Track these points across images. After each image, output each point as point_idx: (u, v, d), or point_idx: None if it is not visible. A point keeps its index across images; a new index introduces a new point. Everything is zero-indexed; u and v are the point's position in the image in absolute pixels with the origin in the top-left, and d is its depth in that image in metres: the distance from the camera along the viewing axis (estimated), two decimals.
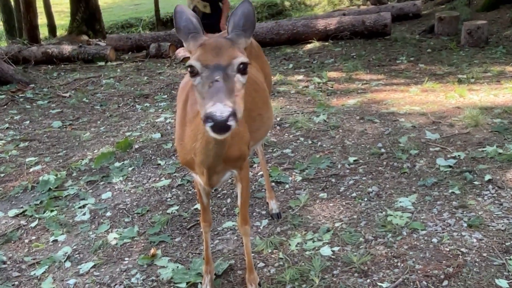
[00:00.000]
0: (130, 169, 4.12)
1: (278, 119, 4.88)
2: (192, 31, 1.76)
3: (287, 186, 3.56)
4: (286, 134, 4.52)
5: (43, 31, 12.62)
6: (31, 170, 4.27)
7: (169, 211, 3.39)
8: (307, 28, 9.43)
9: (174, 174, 3.95)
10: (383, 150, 3.93)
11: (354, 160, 3.81)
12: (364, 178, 3.53)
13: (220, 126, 1.47)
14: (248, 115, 2.22)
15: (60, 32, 13.89)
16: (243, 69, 1.63)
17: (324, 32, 9.35)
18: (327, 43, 9.17)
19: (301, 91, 6.13)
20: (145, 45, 9.96)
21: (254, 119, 2.35)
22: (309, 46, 9.21)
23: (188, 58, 1.87)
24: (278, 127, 4.67)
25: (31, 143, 5.02)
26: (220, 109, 1.46)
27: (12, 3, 12.90)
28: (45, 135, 5.24)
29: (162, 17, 14.60)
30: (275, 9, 17.51)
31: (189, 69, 1.64)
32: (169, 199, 3.58)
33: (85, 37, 11.52)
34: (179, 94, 2.34)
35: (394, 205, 3.11)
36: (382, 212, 3.04)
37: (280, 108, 5.33)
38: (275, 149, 4.19)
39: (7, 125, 5.67)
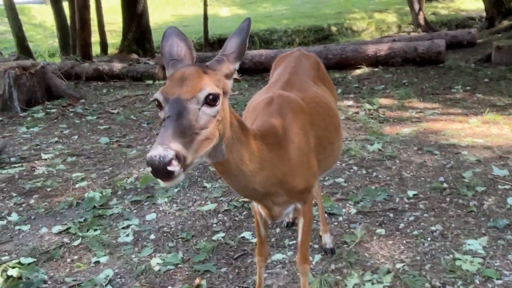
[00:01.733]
0: (175, 190, 4.00)
1: None
2: (174, 58, 1.61)
3: (340, 218, 3.34)
4: (338, 162, 4.29)
5: (96, 49, 12.99)
6: (77, 186, 4.22)
7: (214, 237, 3.22)
8: (356, 53, 9.22)
9: (220, 198, 3.80)
10: (445, 185, 3.64)
11: (414, 194, 3.54)
12: (425, 214, 3.26)
13: (159, 172, 1.31)
14: (319, 143, 2.04)
15: (112, 50, 14.27)
16: (212, 101, 1.45)
17: (374, 57, 9.11)
18: (376, 69, 8.92)
19: (351, 117, 5.91)
20: None
21: (325, 148, 2.17)
22: (358, 71, 8.98)
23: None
24: None
25: (78, 158, 5.01)
26: (159, 152, 1.29)
27: (68, 21, 13.39)
28: (92, 151, 5.23)
29: (210, 38, 14.77)
30: (322, 34, 17.42)
31: (156, 102, 1.49)
32: (215, 225, 3.41)
33: (135, 56, 11.75)
34: None
35: (462, 247, 2.82)
36: (448, 255, 2.76)
37: None
38: (326, 178, 3.97)
39: (56, 138, 5.72)
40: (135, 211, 3.72)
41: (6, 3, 11.13)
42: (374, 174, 3.97)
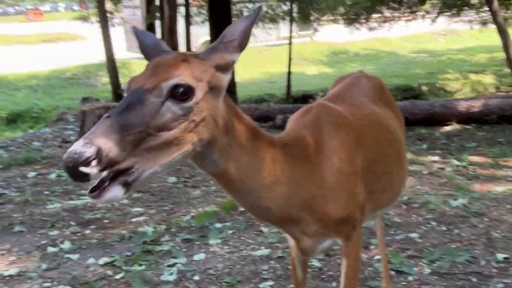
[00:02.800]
0: (230, 232, 3.74)
1: (405, 198, 4.16)
2: (164, 49, 1.36)
3: (410, 278, 2.84)
4: (414, 215, 3.79)
5: None
6: (133, 220, 4.13)
7: (261, 285, 2.89)
8: (446, 109, 8.60)
9: (275, 244, 3.46)
10: None
11: (505, 258, 2.96)
12: None
13: (70, 172, 1.04)
14: (370, 169, 1.67)
15: None
16: (181, 94, 1.15)
17: (466, 114, 8.42)
18: (468, 126, 8.20)
19: (435, 173, 5.33)
20: (272, 115, 10.01)
21: (379, 178, 1.78)
22: (447, 128, 8.32)
23: None
24: (404, 206, 3.96)
25: (144, 195, 4.97)
26: (76, 148, 1.03)
27: None
28: (158, 188, 5.18)
29: (294, 94, 14.87)
30: (411, 93, 16.76)
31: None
32: (264, 272, 3.07)
33: None
34: None
35: None
36: None
37: (409, 187, 4.61)
38: (398, 231, 3.49)
39: None
40: (184, 249, 3.50)
41: (107, 56, 12.12)
42: (456, 231, 3.42)
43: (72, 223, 4.08)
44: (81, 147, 1.04)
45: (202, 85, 1.23)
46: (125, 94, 1.20)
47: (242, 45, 1.30)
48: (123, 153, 1.09)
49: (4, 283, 3.10)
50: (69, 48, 25.20)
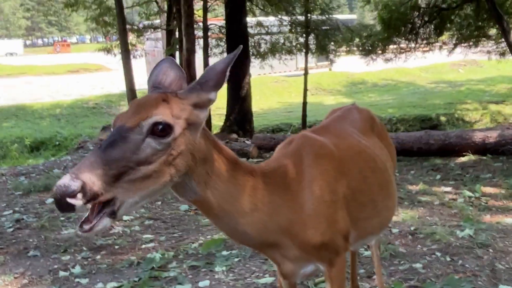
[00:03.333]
0: (236, 259, 3.79)
1: (412, 228, 4.17)
2: (155, 86, 1.47)
3: None
4: (418, 245, 3.78)
5: None
6: (143, 246, 4.23)
7: None
8: (461, 140, 8.54)
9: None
10: None
11: None
12: None
13: (58, 204, 1.17)
14: (353, 197, 1.75)
15: (216, 130, 15.10)
16: (160, 131, 1.26)
17: (482, 145, 8.35)
18: (484, 157, 8.12)
19: (446, 203, 5.31)
20: None
21: (363, 205, 1.85)
22: (462, 159, 8.25)
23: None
24: (410, 237, 3.96)
25: (155, 222, 5.08)
26: (64, 182, 1.15)
27: None
28: (169, 216, 5.28)
29: (310, 123, 14.96)
30: (429, 123, 16.70)
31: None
32: None
33: (234, 135, 12.23)
34: None
35: None
36: None
37: (417, 218, 4.61)
38: (402, 261, 3.49)
39: None
40: (190, 276, 3.57)
41: (128, 86, 12.49)
42: (460, 262, 3.40)
43: (84, 248, 4.20)
44: (68, 181, 1.17)
45: (180, 122, 1.33)
46: (111, 130, 1.33)
47: (217, 85, 1.40)
48: (105, 186, 1.20)
49: None
50: (93, 78, 25.99)
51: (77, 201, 1.17)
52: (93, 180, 1.18)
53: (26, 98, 20.36)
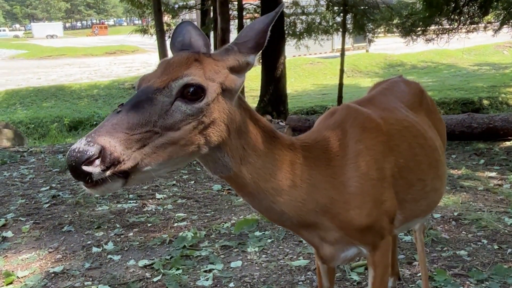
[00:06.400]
0: (269, 240, 3.69)
1: (456, 213, 3.94)
2: (185, 47, 1.31)
3: None
4: (463, 232, 3.57)
5: None
6: (175, 225, 4.18)
7: None
8: (507, 123, 8.11)
9: (314, 255, 3.37)
10: None
11: None
12: None
13: (73, 171, 1.00)
14: (401, 175, 1.57)
15: None
16: (191, 94, 1.11)
17: None
18: None
19: (491, 189, 5.03)
20: None
21: (411, 185, 1.67)
22: (508, 143, 7.85)
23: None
24: (453, 222, 3.75)
25: (188, 201, 5.04)
26: (79, 146, 0.99)
27: None
28: (202, 195, 5.23)
29: None
30: (471, 107, 16.05)
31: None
32: (300, 283, 3.00)
33: (268, 117, 12.09)
34: None
35: None
36: None
37: (461, 203, 4.37)
38: (445, 248, 3.29)
39: (174, 182, 5.90)
40: (222, 256, 3.50)
41: None
42: (509, 251, 3.18)
43: (117, 225, 4.20)
44: (83, 146, 1.02)
45: (215, 86, 1.19)
46: (135, 92, 1.19)
47: (258, 46, 1.25)
48: (128, 151, 1.06)
49: (48, 280, 3.23)
50: (129, 60, 26.31)
51: (94, 169, 1.03)
52: (114, 144, 1.04)
53: (66, 79, 20.82)
